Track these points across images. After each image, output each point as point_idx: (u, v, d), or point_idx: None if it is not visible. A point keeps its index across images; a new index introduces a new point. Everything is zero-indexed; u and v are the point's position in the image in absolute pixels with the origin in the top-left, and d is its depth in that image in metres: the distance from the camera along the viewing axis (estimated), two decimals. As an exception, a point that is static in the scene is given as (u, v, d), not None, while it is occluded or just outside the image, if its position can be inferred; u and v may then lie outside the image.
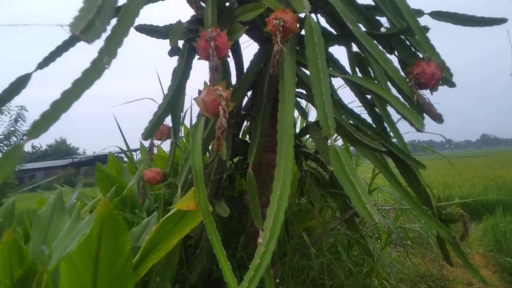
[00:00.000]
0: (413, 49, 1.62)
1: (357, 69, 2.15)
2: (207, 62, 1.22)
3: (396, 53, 1.76)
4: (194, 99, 1.13)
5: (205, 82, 1.14)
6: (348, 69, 2.15)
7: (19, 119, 11.36)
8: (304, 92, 2.15)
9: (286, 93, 1.19)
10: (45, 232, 1.66)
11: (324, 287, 2.45)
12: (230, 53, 1.97)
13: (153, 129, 1.43)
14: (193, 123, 2.64)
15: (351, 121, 2.06)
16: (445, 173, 12.67)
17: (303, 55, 1.31)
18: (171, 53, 1.51)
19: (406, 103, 1.30)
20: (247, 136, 2.49)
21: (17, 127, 11.32)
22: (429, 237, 4.34)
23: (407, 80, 1.34)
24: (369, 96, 2.10)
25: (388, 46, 1.73)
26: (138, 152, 3.73)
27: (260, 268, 0.96)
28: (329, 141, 1.12)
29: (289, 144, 1.12)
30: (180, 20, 1.36)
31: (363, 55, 1.84)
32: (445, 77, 1.39)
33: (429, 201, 2.09)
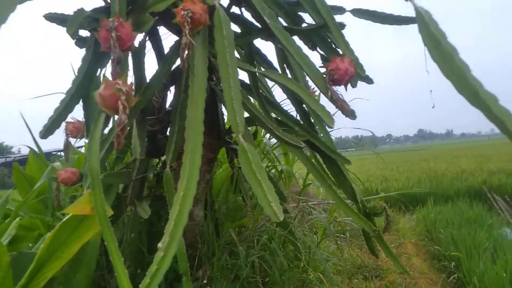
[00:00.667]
0: (333, 45, 1.63)
1: (285, 65, 2.14)
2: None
3: (318, 49, 1.77)
4: (93, 93, 1.05)
5: (104, 76, 1.06)
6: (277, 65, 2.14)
7: None
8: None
9: (195, 88, 1.13)
10: None
11: (257, 285, 2.44)
12: (151, 46, 1.88)
13: (53, 127, 1.31)
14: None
15: (278, 117, 2.05)
16: (383, 167, 13.28)
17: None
18: (79, 44, 1.40)
19: (316, 99, 1.29)
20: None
21: None
22: (364, 229, 4.46)
23: (323, 76, 1.33)
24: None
25: (310, 42, 1.73)
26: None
27: (157, 275, 0.90)
28: (239, 138, 1.08)
29: (196, 142, 1.06)
30: (82, 8, 1.26)
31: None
32: (359, 74, 1.40)
33: (354, 196, 2.13)
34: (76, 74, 1.32)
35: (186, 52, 1.13)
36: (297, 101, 2.09)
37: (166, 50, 1.78)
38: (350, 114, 1.36)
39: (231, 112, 1.07)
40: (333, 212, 4.03)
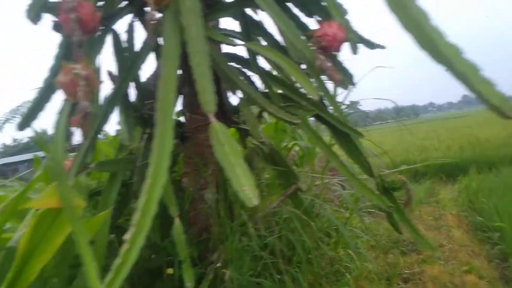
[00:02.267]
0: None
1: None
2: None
3: (315, 16, 1.63)
4: (53, 80, 1.00)
5: (63, 61, 1.00)
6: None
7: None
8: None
9: (165, 68, 1.06)
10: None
11: (277, 266, 2.38)
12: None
13: (30, 117, 1.29)
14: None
15: (284, 92, 1.94)
16: (423, 136, 12.74)
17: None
18: (55, 28, 1.35)
19: (298, 70, 1.17)
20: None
21: None
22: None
23: (309, 44, 1.21)
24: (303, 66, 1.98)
25: (305, 9, 1.60)
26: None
27: (122, 269, 0.85)
28: (209, 118, 1.00)
29: (167, 125, 0.99)
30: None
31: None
32: (351, 38, 1.27)
33: (371, 171, 2.00)
34: (53, 61, 1.28)
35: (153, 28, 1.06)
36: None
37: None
38: (340, 83, 1.24)
39: (201, 91, 0.99)
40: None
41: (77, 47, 1.01)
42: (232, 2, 1.55)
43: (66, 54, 1.26)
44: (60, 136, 1.01)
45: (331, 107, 2.01)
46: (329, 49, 1.19)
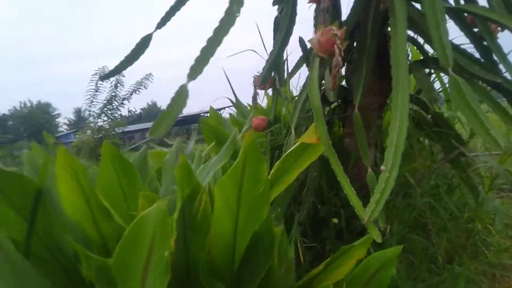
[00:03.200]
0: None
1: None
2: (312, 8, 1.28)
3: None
4: (308, 41, 1.20)
5: (318, 24, 1.20)
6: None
7: (118, 84, 12.39)
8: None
9: (398, 28, 1.20)
10: (172, 175, 1.91)
11: (427, 226, 2.47)
12: None
13: (268, 75, 1.53)
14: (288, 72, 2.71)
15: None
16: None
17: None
18: (276, 1, 1.58)
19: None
20: (343, 81, 2.50)
21: (117, 92, 12.40)
22: (538, 181, 4.01)
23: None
24: (476, 29, 1.98)
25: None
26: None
27: (385, 192, 1.05)
28: (449, 71, 1.12)
29: (404, 77, 1.15)
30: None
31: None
32: None
33: (546, 137, 1.96)
34: (280, 29, 1.51)
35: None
36: (476, 38, 1.97)
37: None
38: None
39: (440, 47, 1.12)
40: (504, 162, 3.69)
41: (325, 13, 1.21)
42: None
43: (290, 22, 1.48)
44: (315, 87, 1.22)
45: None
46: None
